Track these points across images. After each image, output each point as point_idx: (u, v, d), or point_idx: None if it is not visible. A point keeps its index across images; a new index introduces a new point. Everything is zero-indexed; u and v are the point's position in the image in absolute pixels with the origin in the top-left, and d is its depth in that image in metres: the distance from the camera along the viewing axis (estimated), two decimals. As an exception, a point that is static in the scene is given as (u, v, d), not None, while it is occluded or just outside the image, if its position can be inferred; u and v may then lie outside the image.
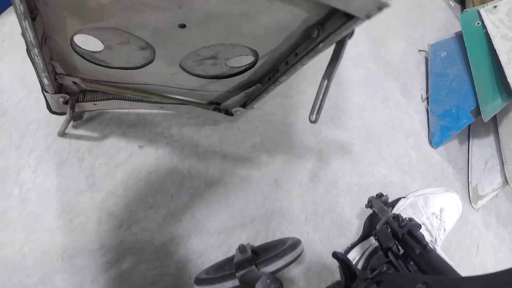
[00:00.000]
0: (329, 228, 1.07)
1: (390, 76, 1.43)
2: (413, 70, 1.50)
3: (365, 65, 1.37)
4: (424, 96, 1.44)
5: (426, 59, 1.55)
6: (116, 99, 0.85)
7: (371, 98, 1.33)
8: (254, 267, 0.78)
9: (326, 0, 0.48)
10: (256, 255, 0.85)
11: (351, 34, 0.57)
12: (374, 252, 0.98)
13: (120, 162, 0.95)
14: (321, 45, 0.59)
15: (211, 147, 1.04)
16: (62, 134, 0.92)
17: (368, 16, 0.50)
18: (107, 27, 0.58)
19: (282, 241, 0.91)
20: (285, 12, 0.55)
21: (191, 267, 0.92)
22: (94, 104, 0.86)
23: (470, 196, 1.33)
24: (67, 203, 0.88)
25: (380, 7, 0.48)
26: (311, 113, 0.69)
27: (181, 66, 0.73)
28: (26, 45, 0.57)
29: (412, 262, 0.75)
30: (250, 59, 0.74)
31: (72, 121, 0.91)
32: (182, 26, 0.58)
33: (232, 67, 0.76)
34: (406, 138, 1.31)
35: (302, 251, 0.88)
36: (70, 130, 0.94)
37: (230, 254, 0.94)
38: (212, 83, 0.82)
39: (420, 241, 0.75)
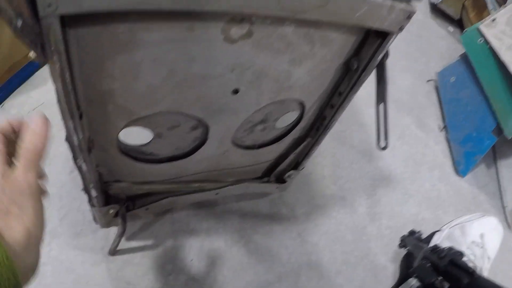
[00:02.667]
0: (363, 278, 1.00)
1: (402, 111, 1.40)
2: (425, 102, 1.46)
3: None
4: (442, 125, 1.40)
5: (436, 87, 1.53)
6: (168, 197, 0.81)
7: (386, 137, 1.30)
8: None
9: (364, 22, 0.51)
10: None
11: (387, 55, 0.59)
12: (416, 294, 0.91)
13: (135, 230, 0.91)
14: (362, 74, 0.61)
15: (228, 206, 1.00)
16: (114, 252, 0.87)
17: (401, 28, 0.54)
18: (157, 112, 0.56)
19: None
20: (325, 51, 0.57)
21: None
22: (146, 210, 0.81)
23: (508, 220, 1.24)
24: (84, 275, 0.84)
25: (409, 16, 0.52)
26: (378, 140, 0.70)
27: (232, 142, 0.72)
28: (72, 151, 0.54)
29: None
30: (296, 114, 0.73)
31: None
32: (235, 91, 0.58)
33: (280, 128, 0.76)
34: (431, 171, 1.26)
35: None
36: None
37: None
38: (262, 154, 0.81)
39: (466, 269, 0.68)
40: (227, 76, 0.54)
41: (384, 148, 0.70)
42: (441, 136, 1.38)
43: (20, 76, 1.06)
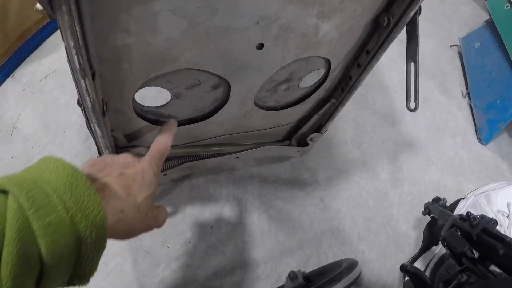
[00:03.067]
0: (385, 244, 0.98)
1: (425, 76, 1.35)
2: (448, 67, 1.41)
3: (398, 68, 1.30)
4: (465, 91, 1.35)
5: (460, 53, 1.47)
6: (187, 161, 0.78)
7: (409, 101, 1.27)
8: (308, 294, 0.71)
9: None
10: (309, 282, 0.78)
11: (419, 10, 0.57)
12: (440, 262, 0.88)
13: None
14: (393, 31, 0.58)
15: (248, 171, 0.98)
16: None
17: None
18: (176, 69, 0.53)
19: (337, 264, 0.83)
20: (355, 4, 0.54)
21: (239, 302, 0.85)
22: (164, 175, 0.79)
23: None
24: (101, 246, 0.83)
25: None
26: (408, 101, 0.67)
27: (254, 102, 0.70)
28: (86, 115, 0.51)
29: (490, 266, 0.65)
30: (321, 74, 0.71)
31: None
32: (260, 46, 0.55)
33: (304, 88, 0.73)
34: (453, 138, 1.22)
35: (360, 272, 0.80)
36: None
37: (279, 284, 0.86)
38: (284, 116, 0.79)
39: (503, 238, 0.65)
40: (251, 29, 0.50)
41: (413, 110, 0.67)
42: (464, 103, 1.33)
43: (30, 44, 1.03)
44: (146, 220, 0.45)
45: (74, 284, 0.35)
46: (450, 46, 1.49)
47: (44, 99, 0.97)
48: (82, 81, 0.43)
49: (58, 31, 1.05)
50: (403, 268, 0.71)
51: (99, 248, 0.35)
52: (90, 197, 0.34)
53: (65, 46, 0.41)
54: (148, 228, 0.47)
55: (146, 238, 0.85)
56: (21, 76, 1.00)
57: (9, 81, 0.99)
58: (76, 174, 0.35)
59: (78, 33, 0.38)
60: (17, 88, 0.98)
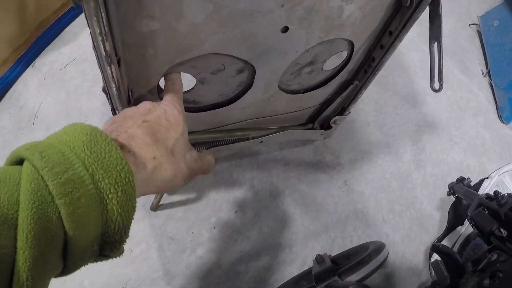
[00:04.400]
0: (409, 226, 0.98)
1: (445, 55, 1.30)
2: (468, 46, 1.39)
3: (418, 48, 1.28)
4: (485, 70, 1.33)
5: (479, 32, 1.44)
6: (211, 147, 0.79)
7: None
8: (337, 277, 0.71)
9: None
10: (336, 265, 0.78)
11: None
12: (466, 242, 0.88)
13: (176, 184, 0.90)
14: (416, 11, 0.57)
15: (271, 155, 0.98)
16: (156, 207, 0.87)
17: None
18: (201, 54, 0.53)
19: (363, 247, 0.83)
20: None
21: (264, 286, 0.86)
22: None
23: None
24: (127, 233, 0.84)
25: None
26: (432, 81, 0.66)
27: (278, 86, 0.69)
28: (111, 102, 0.50)
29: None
30: (344, 56, 0.70)
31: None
32: (285, 29, 0.54)
33: (327, 71, 0.73)
34: (475, 117, 1.21)
35: (387, 255, 0.80)
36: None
37: (305, 268, 0.87)
38: (307, 99, 0.78)
39: None
40: (276, 12, 0.50)
41: (438, 90, 0.66)
42: (484, 82, 1.31)
43: (49, 33, 1.03)
44: (185, 163, 0.43)
45: (107, 256, 0.33)
46: (469, 24, 1.46)
47: (65, 88, 0.97)
48: (108, 68, 0.43)
49: (77, 20, 1.05)
50: (434, 248, 0.71)
51: (128, 209, 0.32)
52: (112, 153, 0.31)
53: (90, 33, 0.41)
54: (191, 172, 0.44)
55: (170, 225, 0.86)
56: (41, 65, 1.00)
57: (29, 71, 0.99)
58: (95, 131, 0.33)
59: (104, 20, 0.38)
60: (38, 77, 0.98)
